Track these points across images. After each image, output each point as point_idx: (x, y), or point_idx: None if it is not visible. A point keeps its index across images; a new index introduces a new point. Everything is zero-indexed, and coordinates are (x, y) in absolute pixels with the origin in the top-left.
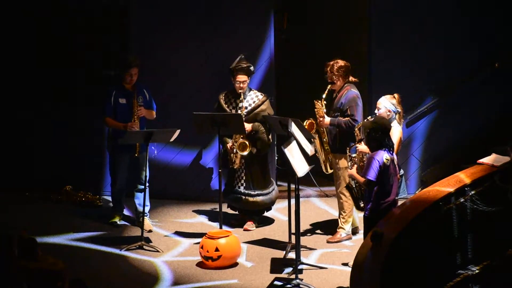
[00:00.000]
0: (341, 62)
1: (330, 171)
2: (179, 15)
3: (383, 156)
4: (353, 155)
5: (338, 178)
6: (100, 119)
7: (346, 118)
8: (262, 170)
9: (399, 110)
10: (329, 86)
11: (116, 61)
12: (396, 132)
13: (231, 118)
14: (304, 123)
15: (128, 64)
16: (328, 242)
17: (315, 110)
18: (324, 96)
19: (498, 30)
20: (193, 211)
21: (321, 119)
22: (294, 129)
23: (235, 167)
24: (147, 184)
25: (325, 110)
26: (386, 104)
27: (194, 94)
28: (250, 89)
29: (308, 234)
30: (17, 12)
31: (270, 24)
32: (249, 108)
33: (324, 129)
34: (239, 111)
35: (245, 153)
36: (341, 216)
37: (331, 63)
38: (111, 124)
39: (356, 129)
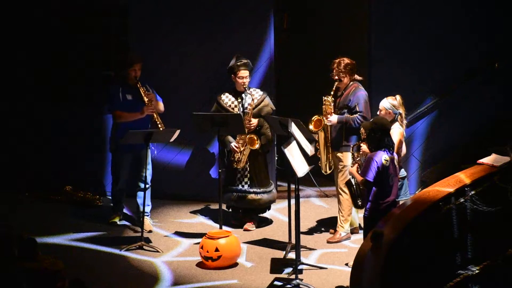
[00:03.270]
0: (347, 60)
1: (329, 171)
2: (179, 15)
3: (382, 157)
4: (355, 154)
5: (341, 175)
6: (99, 118)
7: (355, 115)
8: (265, 169)
9: (400, 111)
10: (336, 83)
11: (116, 61)
12: (396, 133)
13: (230, 118)
14: (312, 119)
15: (131, 61)
16: (328, 242)
17: (323, 106)
18: (332, 93)
19: (498, 30)
20: (193, 211)
21: (329, 116)
22: (294, 129)
23: (239, 167)
24: (149, 184)
25: (332, 107)
26: (386, 105)
27: (194, 94)
28: (249, 87)
29: (308, 235)
30: (16, 13)
31: (270, 24)
32: (256, 101)
33: (329, 126)
34: (248, 106)
35: (256, 146)
36: (340, 214)
37: (338, 60)
38: (126, 116)
39: (362, 128)
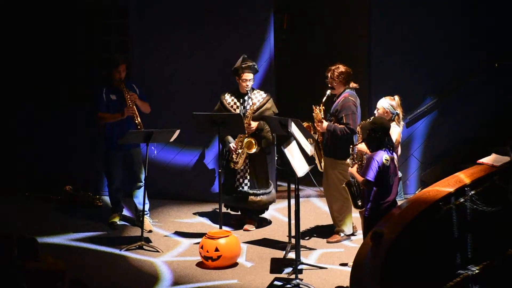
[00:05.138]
0: (342, 68)
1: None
2: (179, 15)
3: (382, 156)
4: (354, 155)
5: (328, 181)
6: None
7: (342, 126)
8: (264, 170)
9: (398, 112)
10: (329, 91)
11: (101, 60)
12: (395, 133)
13: (231, 118)
14: None
15: (116, 62)
16: (328, 242)
17: (313, 114)
18: (323, 100)
19: (498, 30)
20: (193, 211)
21: (319, 123)
22: (294, 129)
23: (236, 168)
24: (142, 182)
25: (322, 115)
26: (384, 105)
27: (194, 94)
28: (253, 89)
29: (308, 235)
30: (16, 12)
31: (270, 24)
32: (257, 104)
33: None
34: (248, 109)
35: (253, 151)
36: (336, 217)
37: (332, 68)
38: (108, 118)
39: (358, 128)
